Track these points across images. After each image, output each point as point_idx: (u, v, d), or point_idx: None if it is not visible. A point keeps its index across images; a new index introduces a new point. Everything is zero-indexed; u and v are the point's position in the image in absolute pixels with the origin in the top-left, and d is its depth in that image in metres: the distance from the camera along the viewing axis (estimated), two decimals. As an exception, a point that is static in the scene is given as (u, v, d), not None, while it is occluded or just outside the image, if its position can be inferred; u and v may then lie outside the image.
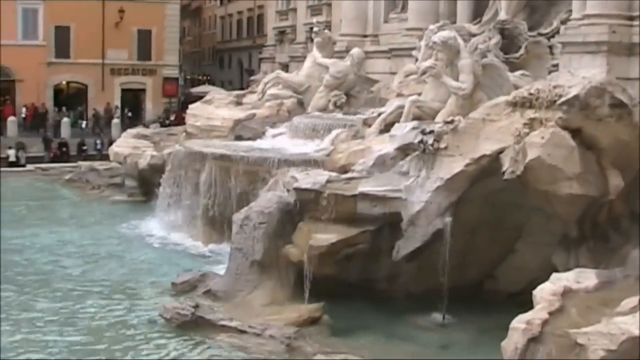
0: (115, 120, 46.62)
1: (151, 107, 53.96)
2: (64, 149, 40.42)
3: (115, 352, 14.37)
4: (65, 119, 46.30)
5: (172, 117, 49.37)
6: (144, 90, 54.98)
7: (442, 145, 15.99)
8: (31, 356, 14.08)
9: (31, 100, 48.98)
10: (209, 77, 75.76)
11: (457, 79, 19.05)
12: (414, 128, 17.17)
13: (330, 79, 27.27)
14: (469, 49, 19.75)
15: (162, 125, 43.69)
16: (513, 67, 21.82)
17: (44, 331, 15.33)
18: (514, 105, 15.84)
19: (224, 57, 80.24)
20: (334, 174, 17.61)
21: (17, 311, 16.46)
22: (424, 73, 20.27)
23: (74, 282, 18.67)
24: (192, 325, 15.12)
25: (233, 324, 14.92)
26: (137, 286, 18.33)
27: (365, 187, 16.37)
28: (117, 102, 52.74)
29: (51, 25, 51.65)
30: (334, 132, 21.93)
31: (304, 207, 16.80)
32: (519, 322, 12.04)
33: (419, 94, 20.78)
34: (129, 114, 51.87)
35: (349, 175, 17.41)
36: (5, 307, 16.57)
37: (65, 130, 44.82)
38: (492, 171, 15.40)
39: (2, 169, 36.86)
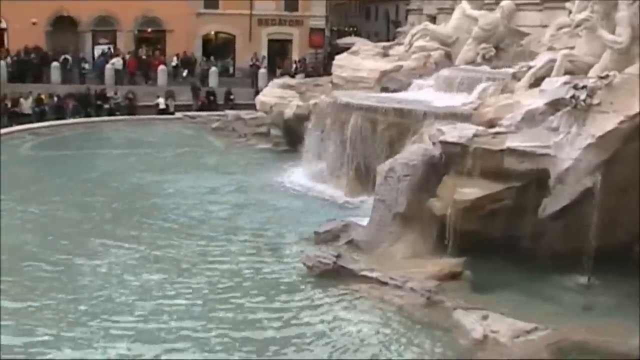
0: (262, 70, 47.08)
1: (297, 57, 54.18)
2: (212, 97, 41.17)
3: (256, 296, 14.68)
4: (213, 69, 47.08)
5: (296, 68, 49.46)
6: (290, 41, 55.28)
7: (595, 101, 15.44)
8: (180, 297, 14.54)
9: (180, 50, 50.02)
10: (355, 29, 75.46)
11: (613, 32, 18.28)
12: (565, 83, 16.59)
13: (479, 31, 26.76)
14: (627, 1, 18.91)
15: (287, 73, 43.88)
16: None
17: (190, 273, 15.80)
18: (674, 60, 15.16)
19: (371, 8, 79.80)
20: (481, 128, 17.25)
21: (165, 253, 17.04)
22: (577, 26, 19.53)
23: (218, 228, 19.12)
24: (333, 275, 15.26)
25: (374, 274, 14.97)
26: (280, 234, 18.60)
27: (512, 142, 15.99)
28: (264, 52, 53.21)
29: (200, -23, 52.48)
30: (482, 86, 21.48)
31: (449, 160, 16.59)
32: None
33: (572, 48, 20.09)
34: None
35: (496, 129, 17.02)
36: (153, 250, 17.20)
37: (213, 80, 45.62)
38: (647, 130, 14.82)
39: (152, 116, 38.05)
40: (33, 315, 13.49)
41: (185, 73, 47.62)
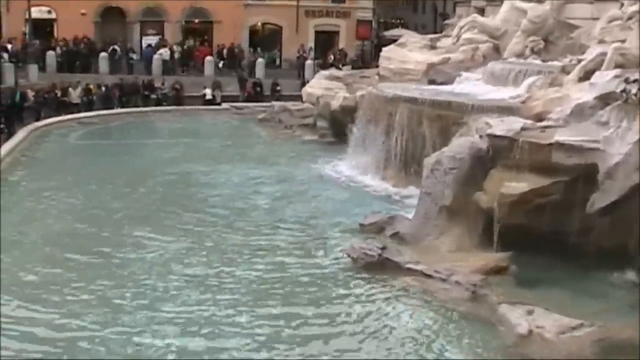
0: (309, 62, 47.07)
1: (343, 49, 54.02)
2: (258, 89, 41.24)
3: (300, 286, 14.72)
4: (260, 60, 47.18)
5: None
6: (337, 33, 55.16)
7: (647, 95, 15.25)
8: (224, 288, 14.61)
9: (227, 41, 50.18)
10: (402, 21, 75.13)
11: (667, 25, 18.03)
12: (616, 76, 16.39)
13: (528, 23, 26.50)
14: (682, -7, 18.64)
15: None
16: None
17: (235, 264, 15.85)
18: None
19: (418, 0, 79.44)
20: (529, 121, 17.10)
21: (209, 243, 17.13)
22: (630, 18, 19.33)
23: (263, 219, 19.17)
24: (378, 267, 15.23)
25: (419, 267, 14.91)
26: (324, 225, 18.59)
27: (561, 136, 15.81)
28: (311, 44, 53.19)
29: (249, -31, 52.56)
30: (531, 79, 21.25)
31: (496, 154, 16.47)
32: None
33: (623, 41, 19.84)
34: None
35: (544, 123, 16.88)
36: (198, 240, 17.30)
37: (259, 71, 45.70)
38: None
39: (199, 106, 38.23)
40: (80, 302, 13.64)
41: (221, 64, 47.62)
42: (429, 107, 21.17)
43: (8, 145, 26.36)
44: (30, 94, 33.94)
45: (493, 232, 15.72)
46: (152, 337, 12.33)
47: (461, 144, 17.28)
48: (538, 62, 24.04)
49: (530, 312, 12.89)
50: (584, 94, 16.99)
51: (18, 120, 30.29)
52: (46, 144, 28.90)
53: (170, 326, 12.75)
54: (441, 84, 25.05)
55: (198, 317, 13.16)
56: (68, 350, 11.85)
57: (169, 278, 14.90)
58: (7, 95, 31.68)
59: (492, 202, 15.74)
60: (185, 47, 48.76)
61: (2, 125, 28.03)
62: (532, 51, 25.85)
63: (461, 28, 29.48)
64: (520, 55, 25.90)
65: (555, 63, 22.50)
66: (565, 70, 20.65)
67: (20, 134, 28.75)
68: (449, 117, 20.38)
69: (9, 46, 42.64)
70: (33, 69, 40.18)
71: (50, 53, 43.86)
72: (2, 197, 19.82)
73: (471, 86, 23.67)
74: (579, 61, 20.17)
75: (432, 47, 29.99)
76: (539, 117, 17.87)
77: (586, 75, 18.91)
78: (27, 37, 44.42)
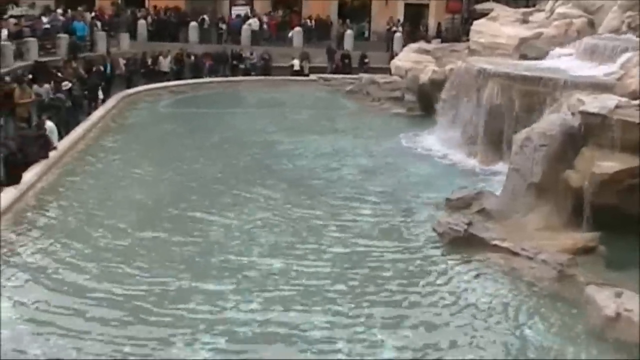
0: (398, 35, 46.70)
1: (433, 23, 53.46)
2: (347, 60, 41.12)
3: (385, 260, 14.69)
4: (349, 32, 46.96)
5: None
6: (427, 6, 54.51)
7: None
8: (309, 257, 14.68)
9: (316, 12, 50.05)
10: (493, -6, 73.96)
11: None
12: None
13: (625, -2, 25.84)
14: None
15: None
16: None
17: (320, 234, 15.92)
18: None
19: (510, -26, 78.15)
20: (623, 99, 16.64)
21: (295, 213, 17.23)
22: None
23: (349, 190, 19.21)
24: (464, 242, 15.10)
25: (505, 244, 14.73)
26: (411, 199, 18.53)
27: (657, 115, 15.40)
28: (400, 16, 52.72)
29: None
30: (626, 56, 20.64)
31: (588, 131, 16.08)
32: None
33: None
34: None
35: (640, 101, 16.48)
36: (284, 209, 17.39)
37: (348, 43, 45.52)
38: None
39: (287, 77, 38.34)
40: (165, 266, 13.88)
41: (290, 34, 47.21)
42: (519, 82, 20.87)
43: (99, 112, 26.89)
44: (122, 62, 34.51)
45: (582, 211, 15.40)
46: (236, 305, 12.45)
47: (552, 121, 16.95)
48: (635, 38, 23.38)
49: (618, 295, 12.58)
50: (683, 71, 16.50)
51: (108, 89, 30.82)
52: (136, 111, 29.44)
53: (254, 295, 12.85)
54: (533, 59, 24.63)
55: (282, 287, 13.23)
56: (153, 314, 12.05)
57: (253, 246, 15.05)
58: (100, 62, 32.23)
59: (582, 180, 15.41)
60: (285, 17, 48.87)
61: (101, 97, 28.55)
62: (629, 27, 25.11)
63: (555, 2, 28.88)
64: (616, 31, 25.20)
65: (652, 39, 21.89)
66: (662, 47, 20.07)
67: (111, 101, 29.31)
68: (540, 93, 20.05)
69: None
70: (124, 37, 40.78)
71: (141, 22, 44.38)
72: (93, 162, 20.34)
73: (564, 62, 23.18)
74: (678, 38, 19.58)
75: (524, 22, 29.46)
76: (635, 95, 17.40)
77: (685, 53, 18.37)
78: (118, 6, 45.12)
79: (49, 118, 20.99)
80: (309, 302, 12.69)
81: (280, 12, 50.08)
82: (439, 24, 50.71)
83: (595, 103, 16.28)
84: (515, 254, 14.39)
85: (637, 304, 12.24)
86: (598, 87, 18.84)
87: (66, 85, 25.57)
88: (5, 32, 31.48)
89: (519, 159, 16.66)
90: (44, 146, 19.49)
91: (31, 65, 30.30)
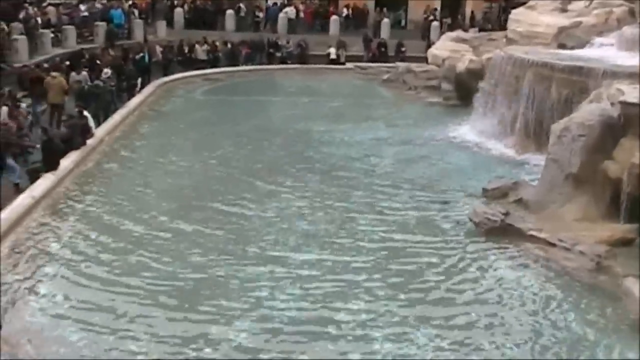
0: (435, 23, 46.47)
1: (470, 11, 53.09)
2: (383, 49, 41.00)
3: (422, 249, 14.64)
4: (385, 20, 46.80)
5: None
6: (464, -6, 54.19)
7: None
8: (346, 246, 14.66)
9: (353, 1, 49.90)
10: (532, -17, 73.38)
11: None
12: None
13: (668, -14, 25.53)
14: None
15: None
16: None
17: (356, 223, 15.90)
18: None
19: (550, -38, 77.43)
20: (664, 89, 16.47)
21: (331, 201, 17.22)
22: None
23: (385, 179, 19.19)
24: (500, 232, 15.04)
25: (542, 235, 14.63)
26: (447, 188, 18.49)
27: (699, 106, 15.18)
28: (437, 5, 52.39)
29: None
30: (668, 45, 20.51)
31: (628, 122, 15.85)
32: None
33: None
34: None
35: (681, 92, 16.24)
36: (320, 198, 17.40)
37: (384, 31, 45.38)
38: None
39: (323, 65, 38.32)
40: (201, 254, 13.93)
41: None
42: (558, 72, 20.71)
43: (136, 99, 27.05)
44: (158, 49, 34.67)
45: (620, 203, 15.20)
46: (272, 292, 12.47)
47: (591, 111, 16.76)
48: (677, 27, 23.14)
49: (656, 287, 12.50)
50: None
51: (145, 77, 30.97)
52: (172, 99, 29.62)
53: (289, 281, 12.89)
54: (572, 48, 24.43)
55: (317, 278, 13.22)
56: (187, 299, 12.11)
57: (290, 234, 15.07)
58: (137, 50, 32.40)
59: (621, 171, 15.20)
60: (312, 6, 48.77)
61: (139, 86, 28.71)
62: (671, 16, 24.90)
63: (595, -10, 28.59)
64: (658, 19, 24.98)
65: (696, 29, 21.61)
66: None
67: (148, 88, 29.49)
68: (579, 83, 19.89)
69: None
70: (161, 25, 41.02)
71: (178, 10, 44.59)
72: (130, 149, 20.50)
73: (603, 51, 22.97)
74: None
75: (563, 10, 29.15)
76: (676, 86, 17.18)
77: None
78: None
79: (85, 107, 21.07)
80: (344, 293, 12.64)
81: (317, 1, 50.00)
82: (472, 12, 50.20)
83: (635, 93, 16.05)
84: (552, 244, 14.28)
85: (676, 297, 12.14)
86: (638, 76, 18.57)
87: (106, 73, 25.75)
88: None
89: (557, 149, 16.50)
90: (83, 134, 19.67)
91: (69, 53, 30.55)
